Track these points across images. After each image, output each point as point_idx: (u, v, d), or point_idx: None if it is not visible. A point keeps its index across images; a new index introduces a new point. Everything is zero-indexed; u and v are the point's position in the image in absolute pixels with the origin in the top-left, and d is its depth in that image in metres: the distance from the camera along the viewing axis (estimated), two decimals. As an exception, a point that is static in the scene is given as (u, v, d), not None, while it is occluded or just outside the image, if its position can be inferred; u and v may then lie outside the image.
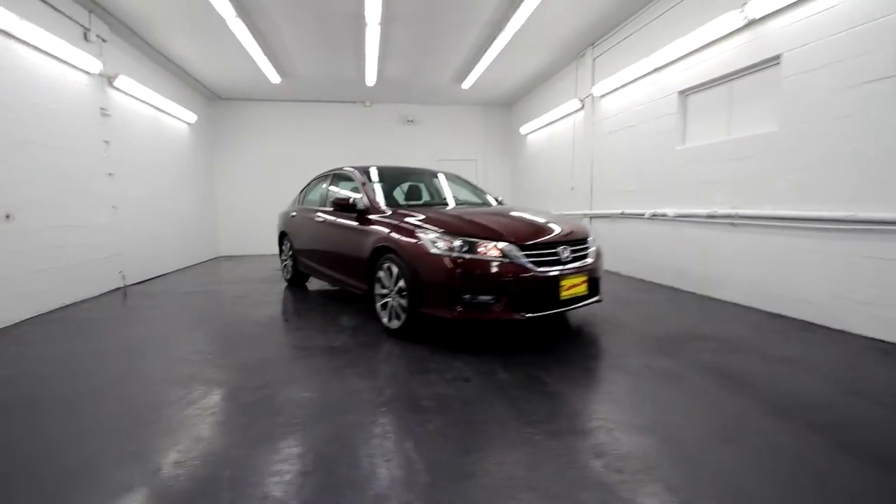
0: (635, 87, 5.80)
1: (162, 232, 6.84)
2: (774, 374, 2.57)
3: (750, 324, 3.64)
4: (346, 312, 4.19)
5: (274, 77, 7.51)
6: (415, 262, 3.06)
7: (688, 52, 4.79)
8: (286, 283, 5.82)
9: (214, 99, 9.12)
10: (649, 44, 5.39)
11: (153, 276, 6.45)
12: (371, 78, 7.78)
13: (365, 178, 4.26)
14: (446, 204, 4.41)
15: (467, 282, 2.87)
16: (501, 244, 2.95)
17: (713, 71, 4.56)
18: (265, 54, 6.43)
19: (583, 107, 7.19)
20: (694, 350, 3.01)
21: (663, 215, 5.28)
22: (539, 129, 8.98)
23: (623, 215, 6.11)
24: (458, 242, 2.95)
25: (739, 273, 4.30)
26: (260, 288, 5.55)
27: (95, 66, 4.95)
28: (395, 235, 3.29)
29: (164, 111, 6.90)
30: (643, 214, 5.61)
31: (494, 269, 2.89)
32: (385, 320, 3.45)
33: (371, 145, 9.96)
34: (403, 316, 3.22)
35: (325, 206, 4.76)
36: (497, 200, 4.79)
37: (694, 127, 5.00)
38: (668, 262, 5.31)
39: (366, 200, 3.94)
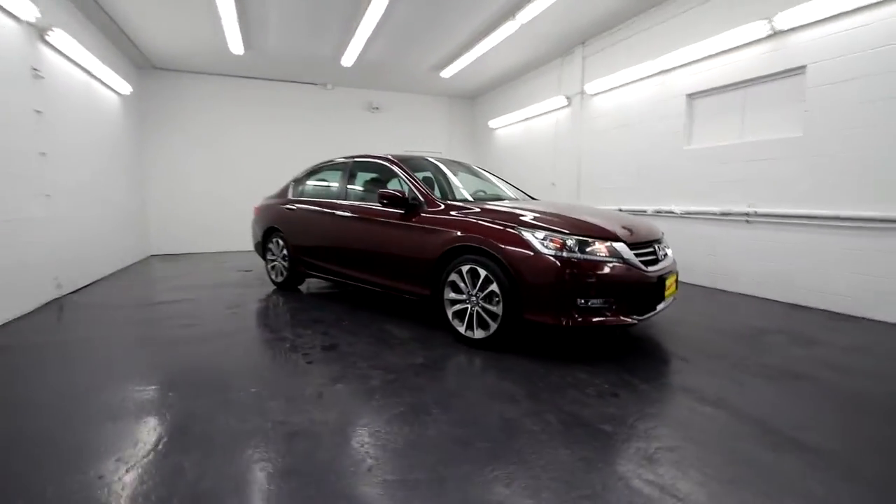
0: (636, 88, 5.95)
1: (100, 227, 5.53)
2: (879, 365, 2.72)
3: (787, 315, 3.89)
4: (386, 321, 3.69)
5: (237, 47, 6.46)
6: (517, 264, 2.73)
7: (700, 57, 5.00)
8: (275, 287, 5.05)
9: (146, 68, 7.63)
10: (655, 47, 5.54)
11: (90, 282, 5.21)
12: (350, 58, 7.07)
13: (409, 170, 3.77)
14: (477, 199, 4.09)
15: (583, 285, 2.62)
16: (617, 244, 2.76)
17: (726, 77, 4.80)
18: (238, 19, 5.47)
19: (569, 104, 7.26)
20: (775, 344, 3.10)
21: (669, 212, 5.49)
22: (512, 124, 8.94)
23: (620, 212, 6.28)
24: (570, 242, 2.69)
25: (753, 267, 4.61)
26: (246, 294, 4.73)
27: (30, 10, 3.75)
28: (483, 234, 2.91)
29: (97, 78, 5.56)
30: (646, 211, 5.81)
31: (611, 271, 2.68)
32: (461, 329, 3.06)
33: (332, 132, 9.15)
34: (493, 325, 2.87)
35: (345, 199, 4.16)
36: (526, 195, 4.58)
37: (701, 129, 5.26)
38: (675, 256, 5.54)
39: (417, 195, 3.49)
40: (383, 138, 9.54)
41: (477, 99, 10.25)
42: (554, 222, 2.82)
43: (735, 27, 4.57)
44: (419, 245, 3.32)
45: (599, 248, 2.72)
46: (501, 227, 2.87)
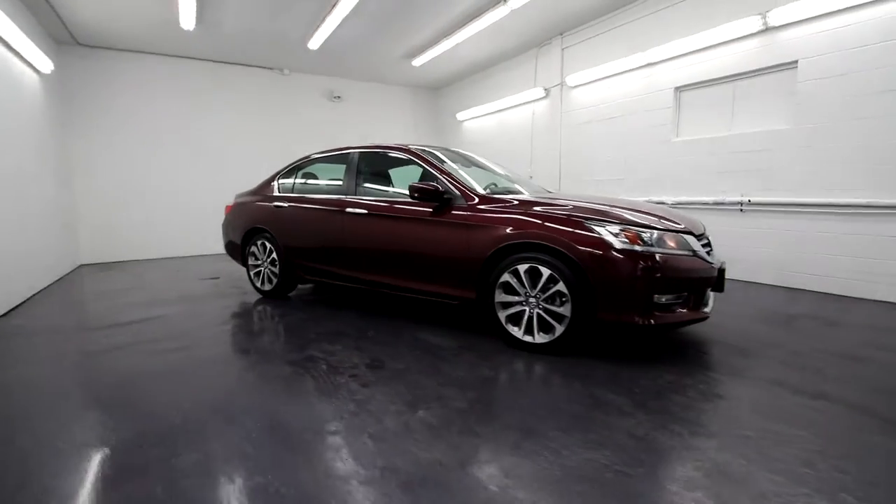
0: (622, 80, 6.00)
1: (22, 234, 4.53)
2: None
3: (795, 299, 4.09)
4: (415, 329, 3.33)
5: (188, 22, 5.59)
6: (591, 261, 2.52)
7: (690, 50, 5.12)
8: (261, 295, 4.45)
9: (69, 45, 6.41)
10: (641, 40, 5.61)
11: (20, 302, 4.24)
12: (318, 40, 6.44)
13: (435, 161, 3.42)
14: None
15: (660, 280, 2.49)
16: (687, 237, 2.66)
17: (716, 70, 4.96)
18: (197, -13, 4.71)
19: (547, 95, 7.22)
20: (809, 328, 3.21)
21: (660, 203, 5.63)
22: (483, 116, 8.76)
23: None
24: (646, 235, 2.54)
25: (747, 253, 4.83)
26: (228, 306, 4.09)
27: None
28: (547, 230, 2.67)
29: (15, 51, 4.51)
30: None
31: (685, 264, 2.58)
32: (517, 334, 2.81)
33: (289, 121, 8.40)
34: (559, 328, 2.66)
35: (354, 194, 3.70)
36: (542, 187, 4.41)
37: (688, 121, 5.41)
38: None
39: (451, 188, 3.16)
40: (345, 129, 8.93)
41: (441, 90, 9.95)
42: (619, 215, 2.66)
43: (723, 21, 4.72)
44: (461, 244, 3.01)
45: (670, 242, 2.61)
46: (567, 222, 2.65)
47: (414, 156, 3.50)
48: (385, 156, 3.78)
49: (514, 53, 7.65)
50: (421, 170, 3.55)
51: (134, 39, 6.47)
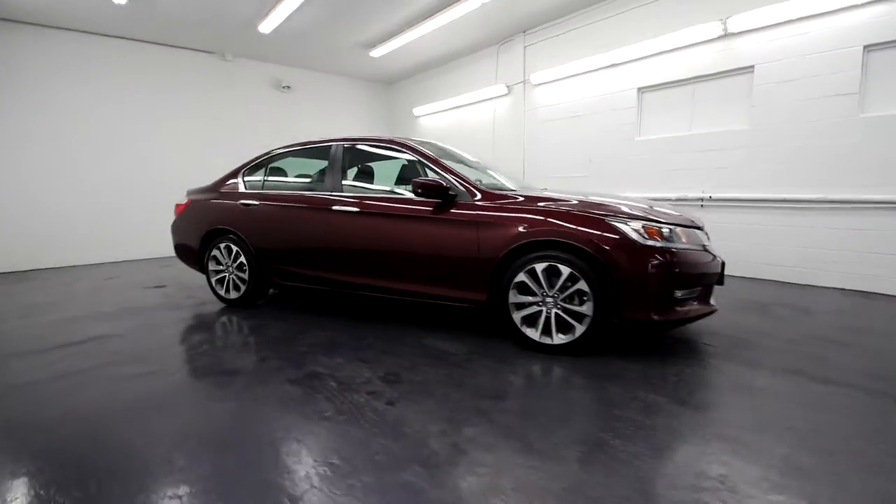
0: (585, 80, 6.13)
1: None
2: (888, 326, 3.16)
3: (757, 288, 4.39)
4: (417, 333, 3.10)
5: (119, -7, 4.86)
6: (615, 258, 2.47)
7: (653, 52, 5.33)
8: (224, 304, 3.96)
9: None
10: (605, 40, 5.77)
11: None
12: (272, 23, 5.90)
13: (437, 155, 3.20)
14: None
15: (681, 276, 2.50)
16: (699, 231, 2.70)
17: (677, 72, 5.21)
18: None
19: (509, 93, 7.23)
20: (788, 316, 3.43)
21: (664, 199, 5.82)
22: (441, 112, 8.61)
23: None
24: (665, 231, 2.54)
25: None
26: (188, 318, 3.58)
27: None
28: (567, 227, 2.57)
29: None
30: (601, 199, 6.07)
31: (700, 259, 2.62)
32: (534, 336, 2.70)
33: (233, 112, 7.68)
34: (580, 327, 2.58)
35: (340, 191, 3.38)
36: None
37: (650, 120, 5.65)
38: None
39: (455, 184, 2.98)
40: (296, 122, 8.37)
41: (397, 84, 9.64)
42: (635, 211, 2.64)
43: (685, 25, 4.97)
44: (470, 243, 2.83)
45: (683, 237, 2.64)
46: (588, 219, 2.58)
47: (410, 149, 3.26)
48: (374, 149, 3.50)
49: (475, 49, 7.57)
50: (411, 164, 3.34)
51: (46, 13, 5.51)
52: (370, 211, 3.19)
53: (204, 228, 3.94)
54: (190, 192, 4.28)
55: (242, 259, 3.75)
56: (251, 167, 3.96)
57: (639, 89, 5.61)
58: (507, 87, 7.18)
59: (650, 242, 2.48)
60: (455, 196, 2.95)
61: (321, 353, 2.77)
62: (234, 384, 2.36)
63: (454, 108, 8.30)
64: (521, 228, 2.70)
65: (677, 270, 2.49)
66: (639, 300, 2.48)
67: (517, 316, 2.75)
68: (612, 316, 2.54)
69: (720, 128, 4.99)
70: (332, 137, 3.65)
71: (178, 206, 4.28)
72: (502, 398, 2.15)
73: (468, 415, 1.99)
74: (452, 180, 3.00)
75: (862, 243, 4.10)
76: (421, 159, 3.20)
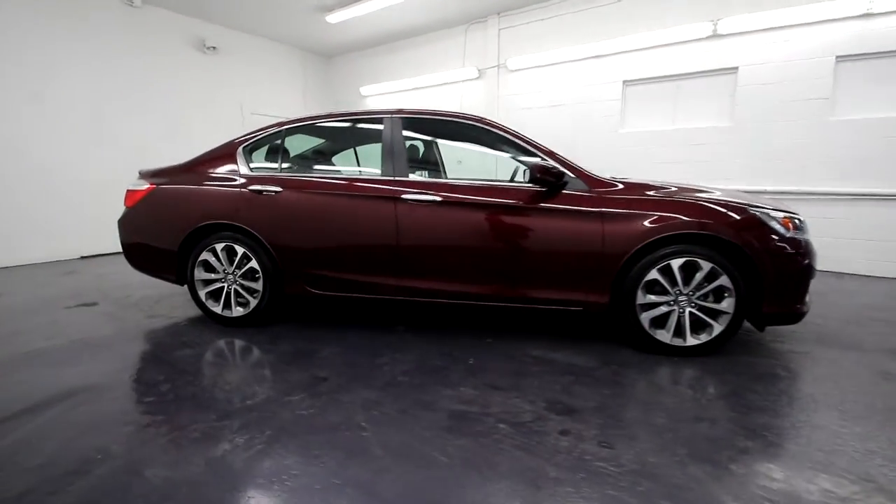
0: (568, 69, 6.06)
1: None
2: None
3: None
4: (513, 345, 2.64)
5: None
6: (762, 251, 2.33)
7: (640, 47, 5.45)
8: (218, 323, 2.97)
9: None
10: (590, 30, 5.75)
11: None
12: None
13: (523, 135, 2.73)
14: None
15: (813, 267, 2.47)
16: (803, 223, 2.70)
17: (663, 68, 5.41)
18: None
19: (480, 77, 6.88)
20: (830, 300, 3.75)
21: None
22: (396, 93, 7.89)
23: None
24: (797, 221, 2.48)
25: (690, 236, 5.48)
26: (181, 351, 2.59)
27: None
28: (712, 219, 2.36)
29: None
30: (584, 190, 6.11)
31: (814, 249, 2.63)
32: (664, 338, 2.46)
33: (142, 73, 6.03)
34: (717, 326, 2.41)
35: (403, 175, 2.70)
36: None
37: (634, 114, 5.81)
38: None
39: (563, 169, 2.57)
40: (223, 90, 6.93)
41: (336, 59, 8.59)
42: (756, 201, 2.54)
43: (673, 22, 5.17)
44: (593, 237, 2.47)
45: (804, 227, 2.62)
46: (733, 210, 2.40)
47: (495, 127, 2.75)
48: (442, 125, 2.90)
49: (439, 27, 7.05)
50: (487, 145, 2.86)
51: None
52: (459, 200, 2.61)
53: (188, 224, 2.89)
54: (148, 175, 3.13)
55: (254, 264, 2.83)
56: (255, 142, 3.02)
57: (624, 82, 5.72)
58: (479, 70, 6.82)
59: (790, 234, 2.40)
60: (565, 184, 2.56)
61: (434, 383, 2.17)
62: (375, 454, 1.66)
63: (412, 89, 7.65)
64: (654, 220, 2.42)
65: (809, 262, 2.46)
66: (783, 293, 2.40)
67: (646, 317, 2.49)
68: (753, 312, 2.42)
69: (704, 124, 5.31)
70: (381, 109, 2.91)
71: (131, 192, 3.10)
72: (712, 424, 1.85)
73: (707, 449, 1.66)
74: (560, 165, 2.59)
75: (832, 230, 4.71)
76: (512, 139, 2.73)
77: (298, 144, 3.06)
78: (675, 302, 2.46)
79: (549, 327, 2.96)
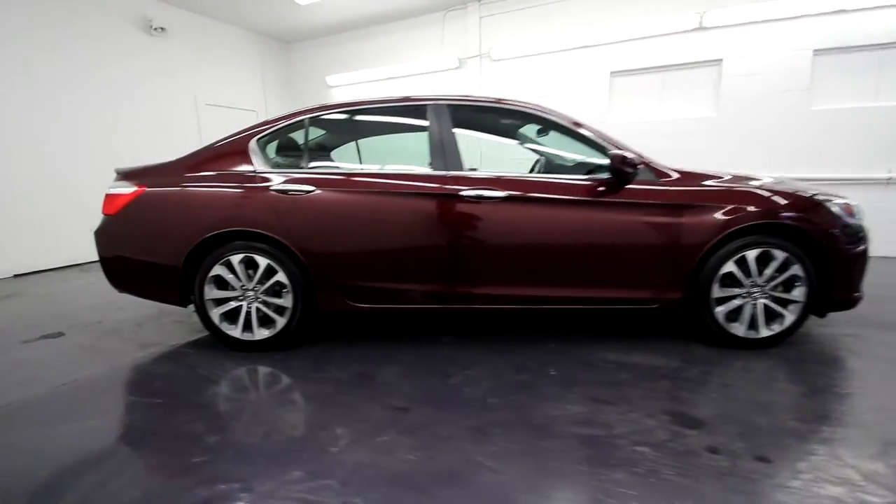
0: (555, 59, 5.97)
1: None
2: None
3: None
4: (573, 353, 2.46)
5: None
6: (832, 239, 2.32)
7: (628, 37, 5.48)
8: (233, 348, 2.51)
9: None
10: (578, 20, 5.70)
11: None
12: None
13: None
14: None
15: (868, 254, 2.52)
16: None
17: (650, 59, 5.47)
18: None
19: (460, 66, 6.62)
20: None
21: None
22: (367, 83, 7.41)
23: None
24: (855, 208, 2.50)
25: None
26: (194, 394, 2.15)
27: None
28: (790, 208, 2.32)
29: None
30: (574, 182, 6.08)
31: (864, 236, 2.69)
32: (738, 332, 2.39)
33: (79, 56, 5.14)
34: (790, 316, 2.38)
35: (456, 169, 2.41)
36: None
37: (620, 104, 5.84)
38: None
39: (630, 157, 2.42)
40: (172, 81, 6.11)
41: (296, 45, 7.92)
42: (811, 189, 2.55)
43: (661, 12, 5.24)
44: (667, 229, 2.35)
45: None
46: (802, 199, 2.37)
47: (554, 114, 2.54)
48: (491, 114, 2.65)
49: (415, 13, 6.69)
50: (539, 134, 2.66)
51: None
52: (526, 197, 2.36)
53: (195, 234, 2.39)
54: (131, 176, 2.57)
55: (280, 277, 2.41)
56: (272, 133, 2.56)
57: (611, 73, 5.73)
58: (459, 60, 6.56)
59: (852, 220, 2.42)
60: (636, 175, 2.41)
61: (531, 402, 1.93)
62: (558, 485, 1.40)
63: (386, 79, 7.22)
64: (729, 211, 2.34)
65: (866, 247, 2.49)
66: (849, 280, 2.41)
67: (721, 311, 2.41)
68: (823, 299, 2.42)
69: (690, 115, 5.45)
70: (424, 95, 2.57)
71: (112, 197, 2.52)
72: (845, 412, 1.79)
73: (871, 443, 1.57)
74: (626, 155, 2.44)
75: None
76: (572, 127, 2.55)
77: (325, 136, 2.65)
78: (748, 294, 2.40)
79: (601, 327, 2.81)
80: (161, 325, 3.06)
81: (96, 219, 2.57)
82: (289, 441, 1.68)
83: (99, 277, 4.61)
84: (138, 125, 5.68)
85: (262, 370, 2.33)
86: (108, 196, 2.54)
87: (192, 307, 2.53)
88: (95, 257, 2.59)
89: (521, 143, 3.11)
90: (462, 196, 2.35)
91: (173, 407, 1.96)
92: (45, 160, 4.84)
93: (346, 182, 2.44)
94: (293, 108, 2.68)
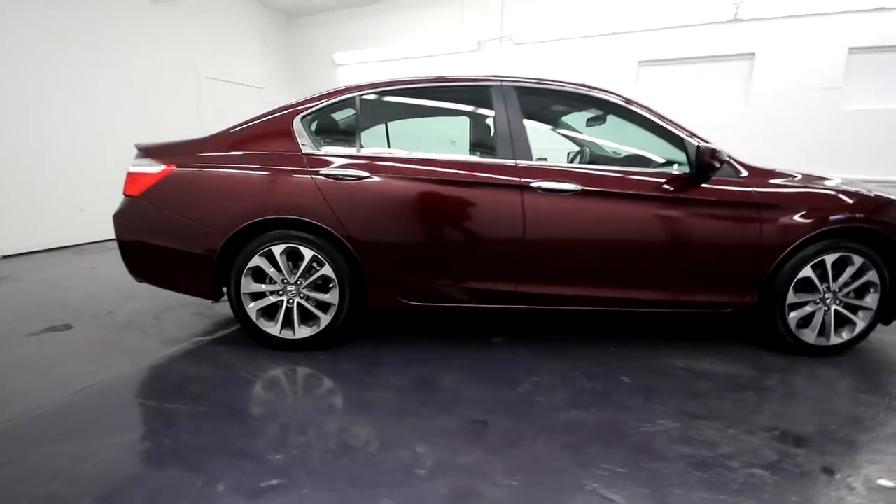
0: (580, 45, 5.77)
1: None
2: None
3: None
4: (637, 359, 2.32)
5: None
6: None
7: (658, 26, 5.30)
8: (271, 348, 2.29)
9: None
10: (606, 6, 5.48)
11: None
12: None
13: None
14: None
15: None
16: None
17: (680, 50, 5.32)
18: None
19: (479, 49, 6.35)
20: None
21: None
22: (377, 62, 7.09)
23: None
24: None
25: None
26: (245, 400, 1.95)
27: None
28: (869, 210, 2.21)
29: None
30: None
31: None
32: (809, 339, 2.28)
33: (75, 20, 4.70)
34: (860, 322, 2.28)
35: (526, 159, 2.20)
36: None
37: (647, 96, 5.66)
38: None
39: (720, 151, 2.27)
40: (173, 51, 5.70)
41: (300, 19, 7.51)
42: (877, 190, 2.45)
43: (694, 0, 5.07)
44: (749, 229, 2.21)
45: None
46: (874, 200, 2.26)
47: (635, 104, 2.37)
48: (560, 99, 2.46)
49: (431, -10, 6.37)
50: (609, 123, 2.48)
51: None
52: (603, 191, 2.18)
53: (234, 221, 2.15)
54: (158, 152, 2.30)
55: (327, 271, 2.19)
56: (318, 111, 2.32)
57: (639, 62, 5.56)
58: (479, 42, 6.29)
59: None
60: (709, 170, 2.26)
61: (617, 417, 1.78)
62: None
63: (397, 59, 6.91)
64: (810, 212, 2.22)
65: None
66: (916, 285, 2.33)
67: (794, 317, 2.29)
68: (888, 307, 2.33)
69: (718, 108, 5.33)
70: (492, 75, 2.35)
71: (135, 176, 2.25)
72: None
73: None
74: (702, 147, 2.28)
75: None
76: (655, 119, 2.39)
77: (377, 116, 2.42)
78: (822, 300, 2.29)
79: (653, 330, 2.68)
80: (179, 317, 2.81)
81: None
82: (366, 460, 1.50)
83: (97, 261, 4.32)
84: (137, 96, 5.28)
85: (310, 373, 2.12)
86: (130, 175, 2.27)
87: (211, 301, 2.30)
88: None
89: (585, 131, 2.90)
90: (533, 188, 2.16)
91: (221, 416, 1.74)
92: (33, 130, 4.44)
93: (404, 169, 2.21)
94: (337, 86, 2.43)
